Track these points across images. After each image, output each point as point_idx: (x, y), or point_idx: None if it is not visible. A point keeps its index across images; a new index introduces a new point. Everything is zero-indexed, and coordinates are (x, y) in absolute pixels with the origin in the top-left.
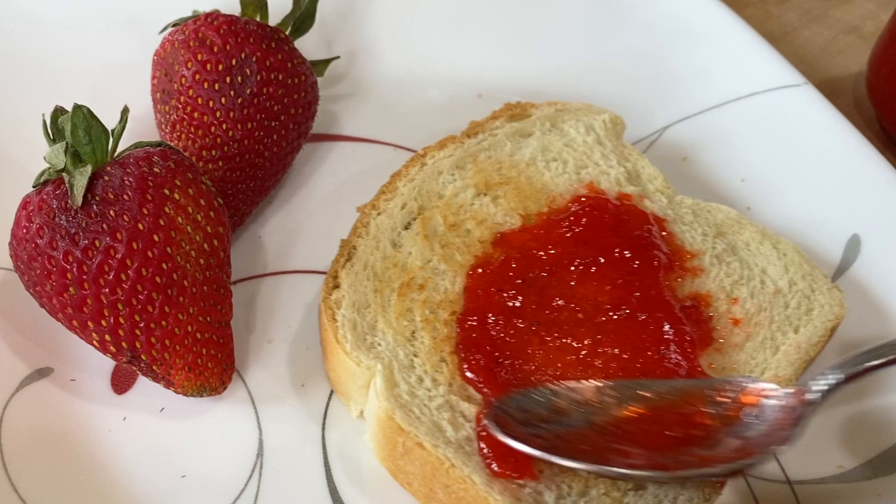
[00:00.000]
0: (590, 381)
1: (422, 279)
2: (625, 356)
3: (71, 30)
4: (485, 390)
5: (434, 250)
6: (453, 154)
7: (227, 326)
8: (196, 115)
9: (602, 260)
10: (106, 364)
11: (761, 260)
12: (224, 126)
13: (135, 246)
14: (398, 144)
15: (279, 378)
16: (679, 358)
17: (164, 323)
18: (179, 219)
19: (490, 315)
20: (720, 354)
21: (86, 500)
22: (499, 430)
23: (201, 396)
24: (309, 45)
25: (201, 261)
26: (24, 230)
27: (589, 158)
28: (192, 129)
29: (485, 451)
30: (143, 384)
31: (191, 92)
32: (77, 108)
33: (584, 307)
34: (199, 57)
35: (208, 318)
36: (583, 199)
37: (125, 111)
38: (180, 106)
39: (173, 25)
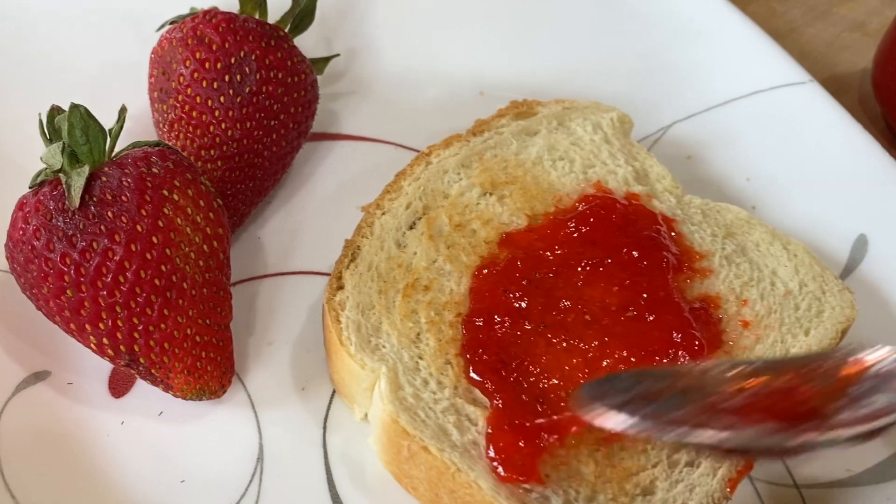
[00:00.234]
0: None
1: (427, 280)
2: (633, 359)
3: (67, 28)
4: (491, 393)
5: (439, 251)
6: (459, 153)
7: (226, 329)
8: (194, 114)
9: (610, 261)
10: (103, 367)
11: (771, 261)
12: (223, 125)
13: (133, 248)
14: (399, 143)
15: (279, 381)
16: (687, 360)
17: (162, 326)
18: (178, 220)
19: (496, 316)
20: (730, 357)
21: None
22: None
23: (201, 400)
24: (308, 43)
25: (200, 262)
26: (21, 232)
27: (596, 157)
28: (191, 129)
29: (491, 455)
30: (142, 388)
31: (189, 91)
32: (74, 107)
33: (591, 309)
34: (198, 55)
35: (208, 321)
36: (590, 198)
37: (123, 110)
38: (178, 105)
39: (171, 23)
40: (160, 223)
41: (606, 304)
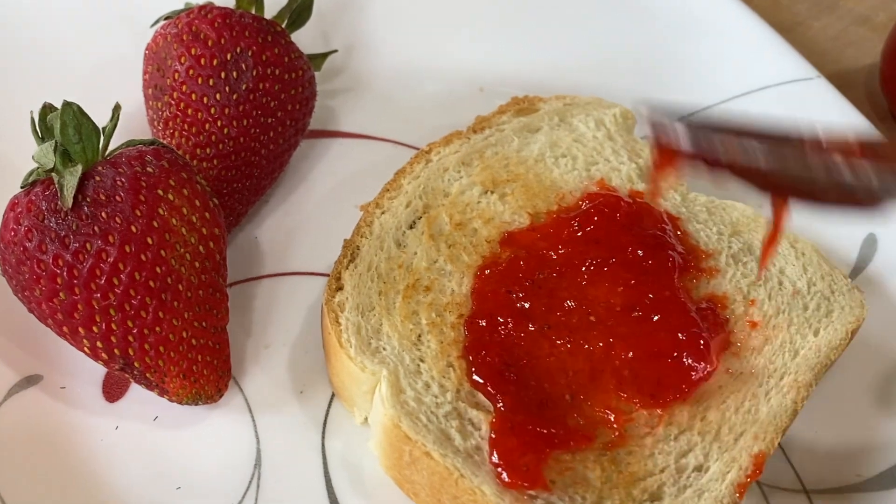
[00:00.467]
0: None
1: (428, 280)
2: (638, 360)
3: (59, 23)
4: (494, 396)
5: (440, 250)
6: (459, 150)
7: (223, 331)
8: (190, 111)
9: (614, 260)
10: (97, 371)
11: (779, 260)
12: (219, 123)
13: (127, 249)
14: (398, 141)
15: (277, 384)
16: (694, 362)
17: (157, 329)
18: (174, 220)
19: (499, 318)
20: (737, 359)
21: None
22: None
23: (197, 404)
24: (306, 39)
25: (196, 264)
26: (12, 233)
27: (599, 154)
28: (186, 127)
29: (495, 460)
30: (136, 392)
31: (184, 88)
32: (66, 105)
33: (595, 309)
34: (193, 51)
35: (204, 324)
36: (594, 196)
37: (117, 108)
38: (173, 102)
39: (166, 18)
40: (155, 224)
41: (611, 305)
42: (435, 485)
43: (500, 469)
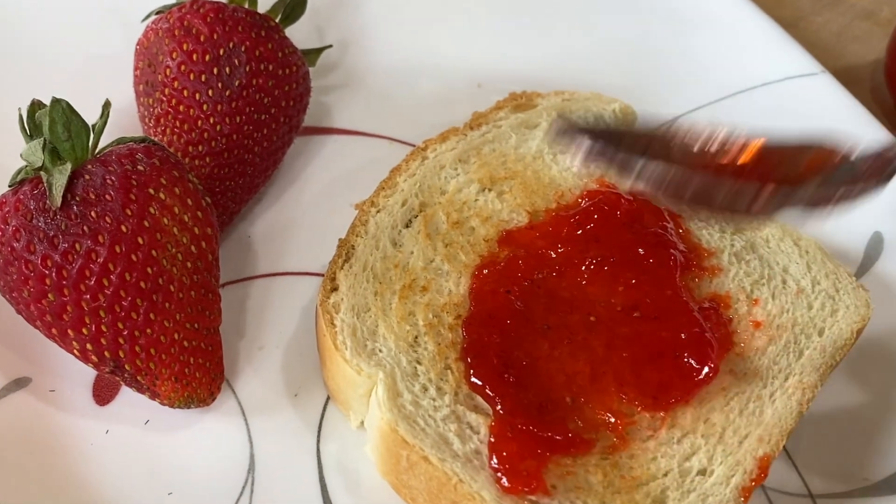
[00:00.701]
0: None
1: (424, 280)
2: (640, 361)
3: (47, 18)
4: (493, 398)
5: (437, 250)
6: (456, 147)
7: (215, 333)
8: (182, 108)
9: (614, 259)
10: (87, 374)
11: (782, 258)
12: (211, 120)
13: (118, 249)
14: (394, 138)
15: (271, 387)
16: (697, 363)
17: (148, 330)
18: (165, 220)
19: (497, 318)
20: (741, 359)
21: None
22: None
23: (189, 408)
24: (300, 34)
25: (188, 264)
26: (0, 233)
27: None
28: (178, 124)
29: (494, 465)
30: (127, 395)
31: (176, 84)
32: (55, 101)
33: (596, 309)
34: (185, 47)
35: (196, 325)
36: (593, 193)
37: (107, 105)
38: (165, 99)
39: (157, 13)
40: (146, 223)
41: (612, 305)
42: (433, 490)
43: (499, 474)
